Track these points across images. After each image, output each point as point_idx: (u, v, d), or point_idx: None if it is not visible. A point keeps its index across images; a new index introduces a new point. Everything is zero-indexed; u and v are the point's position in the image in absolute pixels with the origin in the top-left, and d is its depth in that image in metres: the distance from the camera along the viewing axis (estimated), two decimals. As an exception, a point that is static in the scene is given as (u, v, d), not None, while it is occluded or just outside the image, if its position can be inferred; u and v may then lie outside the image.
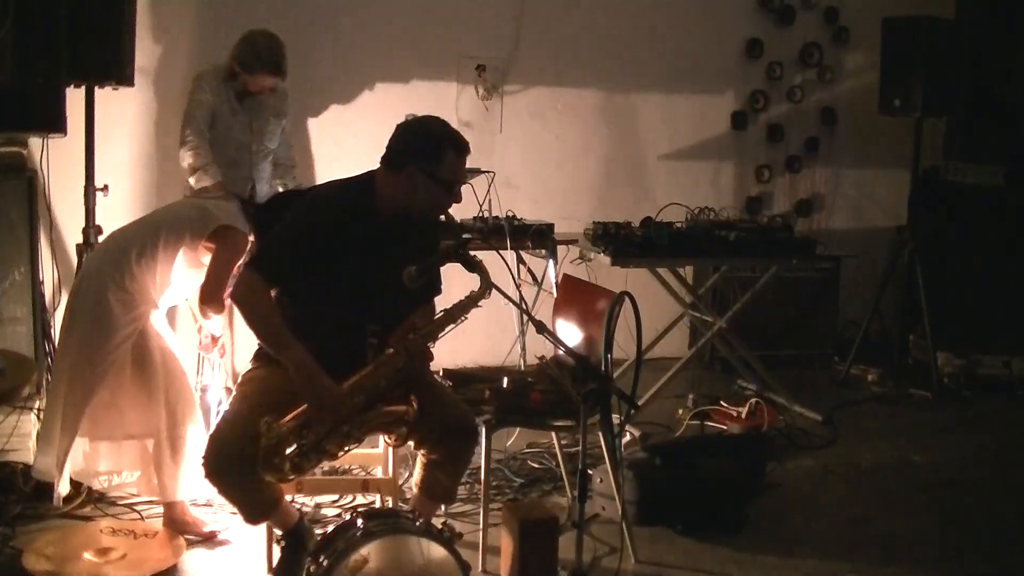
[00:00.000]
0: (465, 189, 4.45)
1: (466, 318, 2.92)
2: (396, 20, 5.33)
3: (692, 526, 3.62)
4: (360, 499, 3.71)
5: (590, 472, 3.06)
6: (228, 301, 3.27)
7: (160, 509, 3.44)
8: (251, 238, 3.34)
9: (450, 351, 5.00)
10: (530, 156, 5.71)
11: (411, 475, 3.75)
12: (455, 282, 3.13)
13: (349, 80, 5.28)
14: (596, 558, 3.37)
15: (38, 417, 3.68)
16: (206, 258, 3.35)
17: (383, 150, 2.94)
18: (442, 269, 3.02)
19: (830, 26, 6.27)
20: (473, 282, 2.87)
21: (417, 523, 2.64)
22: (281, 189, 4.65)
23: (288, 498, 3.05)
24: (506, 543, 3.11)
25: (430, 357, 3.00)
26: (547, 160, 5.77)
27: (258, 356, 3.01)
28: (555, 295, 4.23)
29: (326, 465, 3.70)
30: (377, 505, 3.41)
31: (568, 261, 4.74)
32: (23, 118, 3.61)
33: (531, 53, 5.62)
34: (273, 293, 2.94)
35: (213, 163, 4.39)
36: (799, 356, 5.97)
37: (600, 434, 3.35)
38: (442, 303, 3.02)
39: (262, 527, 3.10)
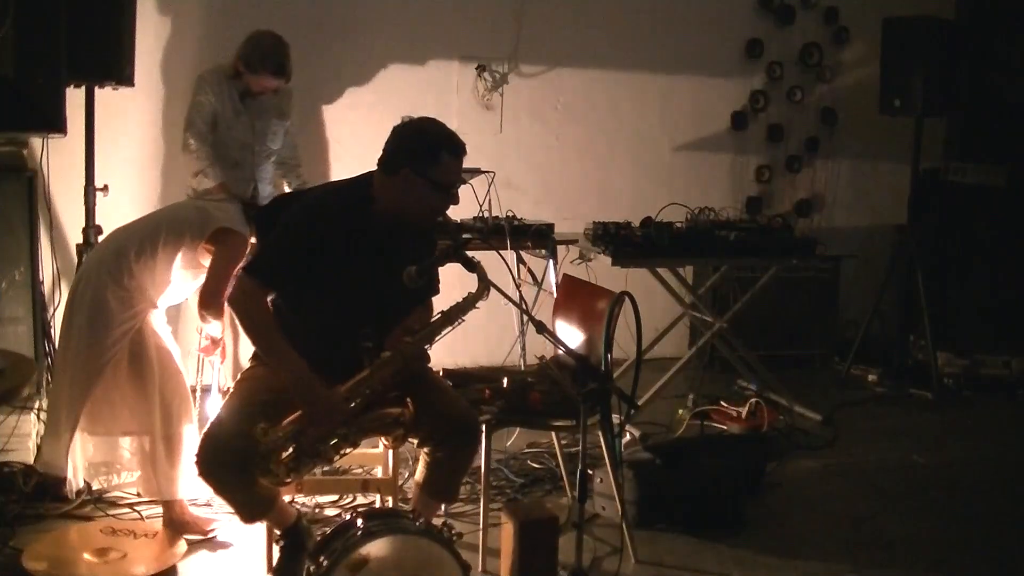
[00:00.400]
0: (465, 189, 4.46)
1: (463, 320, 2.91)
2: (396, 20, 5.33)
3: (692, 526, 3.62)
4: (360, 499, 3.71)
5: (590, 472, 3.06)
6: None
7: (160, 509, 3.44)
8: (252, 240, 3.34)
9: (450, 351, 5.00)
10: (530, 156, 5.71)
11: (411, 475, 3.76)
12: (453, 283, 3.13)
13: (349, 80, 5.28)
14: (596, 558, 3.37)
15: (38, 417, 3.69)
16: (206, 260, 3.35)
17: (381, 151, 2.93)
18: (440, 270, 3.02)
19: (830, 26, 6.27)
20: (472, 282, 2.87)
21: (417, 523, 2.64)
22: (287, 189, 4.65)
23: (288, 498, 3.05)
24: (506, 543, 3.11)
25: (427, 359, 3.00)
26: (547, 160, 5.77)
27: (256, 355, 3.01)
28: (555, 295, 4.23)
29: (327, 465, 3.71)
30: (377, 505, 3.41)
31: (568, 261, 4.74)
32: (23, 118, 3.60)
33: (531, 53, 5.62)
34: (271, 298, 2.94)
35: (214, 165, 4.39)
36: (799, 356, 5.98)
37: (600, 434, 3.35)
38: (440, 303, 3.01)
39: (262, 527, 3.09)
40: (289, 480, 2.77)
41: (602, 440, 3.37)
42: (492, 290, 2.84)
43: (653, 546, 3.49)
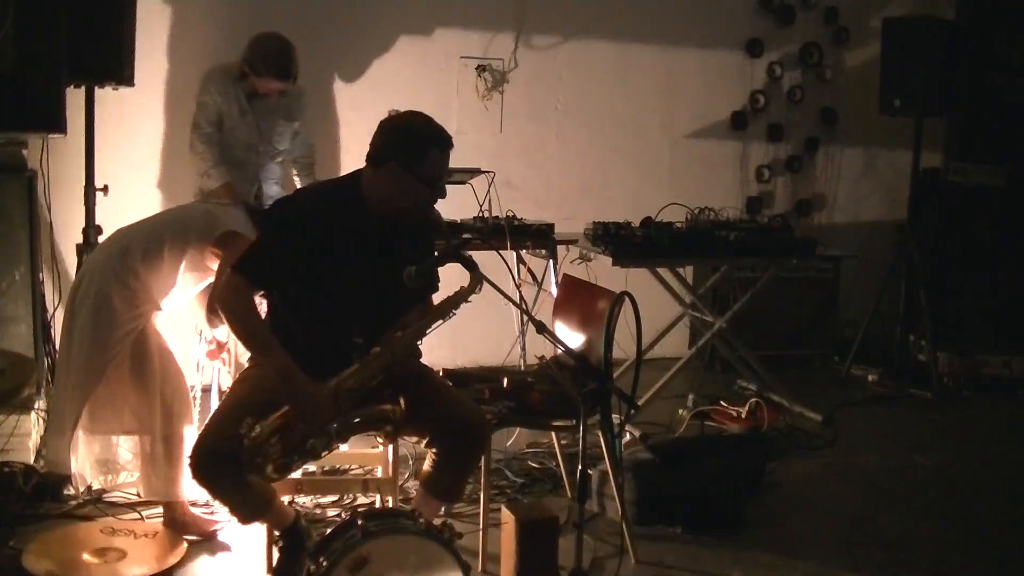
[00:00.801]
0: (465, 189, 4.48)
1: (455, 313, 2.90)
2: (397, 20, 5.33)
3: (692, 526, 3.62)
4: (360, 499, 3.71)
5: (590, 472, 3.06)
6: None
7: (160, 509, 3.44)
8: None
9: (450, 351, 5.02)
10: (530, 156, 5.71)
11: (411, 475, 3.76)
12: (453, 283, 3.12)
13: (349, 80, 5.28)
14: (596, 558, 3.36)
15: (39, 417, 3.69)
16: (213, 263, 3.35)
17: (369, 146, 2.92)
18: (440, 268, 3.01)
19: (830, 26, 6.27)
20: (467, 280, 2.86)
21: (417, 523, 2.64)
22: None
23: (287, 498, 3.05)
24: (506, 543, 3.11)
25: (418, 355, 2.99)
26: (547, 160, 5.77)
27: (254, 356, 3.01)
28: (555, 295, 4.23)
29: (326, 465, 3.71)
30: (377, 505, 3.41)
31: (568, 261, 4.74)
32: (23, 118, 3.60)
33: (531, 53, 5.62)
34: (267, 301, 2.94)
35: (218, 165, 4.40)
36: (799, 356, 5.98)
37: (600, 434, 3.35)
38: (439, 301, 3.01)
39: (261, 528, 3.09)
40: (278, 477, 2.76)
41: (602, 440, 3.38)
42: (493, 291, 2.83)
43: (653, 546, 3.49)
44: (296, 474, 2.95)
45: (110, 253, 3.36)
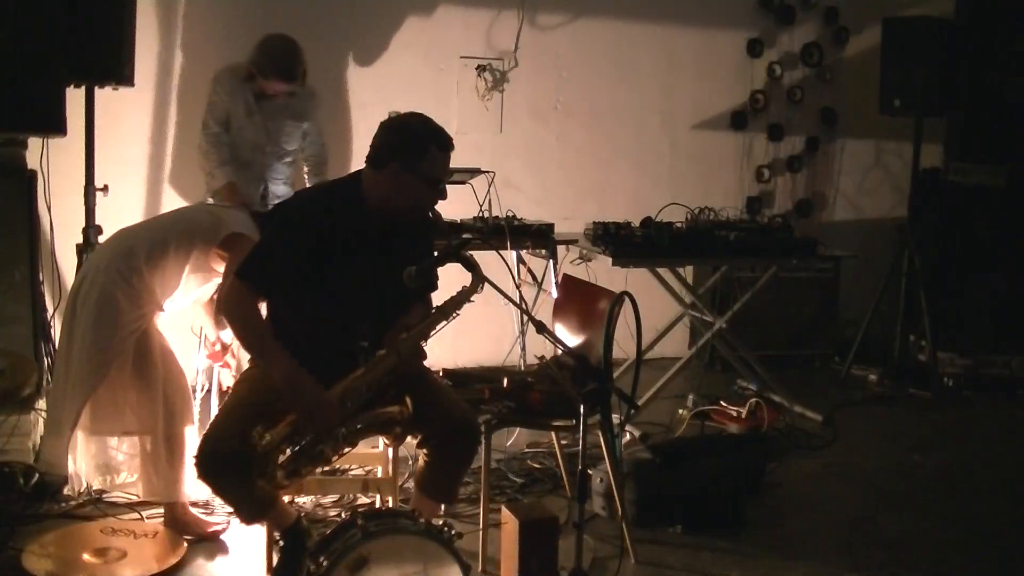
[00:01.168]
0: (465, 189, 4.48)
1: (458, 314, 2.90)
2: (397, 20, 5.33)
3: (692, 526, 3.62)
4: (360, 499, 3.71)
5: (590, 472, 3.06)
6: None
7: (160, 509, 3.44)
8: None
9: (450, 351, 5.02)
10: (530, 156, 5.71)
11: (411, 475, 3.76)
12: (453, 283, 3.12)
13: (350, 81, 5.28)
14: (596, 558, 3.36)
15: (38, 417, 3.69)
16: (219, 265, 3.35)
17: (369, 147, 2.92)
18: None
19: (830, 26, 6.27)
20: (467, 280, 2.87)
21: (417, 523, 2.64)
22: None
23: (288, 499, 3.05)
24: (506, 543, 3.11)
25: (423, 356, 2.99)
26: (547, 160, 5.77)
27: (254, 357, 3.01)
28: (555, 295, 4.23)
29: (325, 466, 3.71)
30: (377, 505, 3.41)
31: (568, 261, 4.74)
32: (23, 118, 3.61)
33: (531, 53, 5.62)
34: (267, 305, 2.94)
35: (223, 165, 4.41)
36: (799, 356, 5.98)
37: (600, 434, 3.35)
38: (439, 301, 3.01)
39: (262, 528, 3.09)
40: (288, 483, 2.77)
41: (602, 440, 3.38)
42: (493, 291, 2.83)
43: (653, 546, 3.49)
44: (303, 475, 2.95)
45: (114, 253, 3.36)
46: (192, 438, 3.32)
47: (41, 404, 3.72)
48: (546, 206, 5.47)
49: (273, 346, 2.80)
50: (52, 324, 4.04)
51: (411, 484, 3.19)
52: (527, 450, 4.31)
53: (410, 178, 2.83)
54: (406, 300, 2.98)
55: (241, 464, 2.67)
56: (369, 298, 2.90)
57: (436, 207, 3.14)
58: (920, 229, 5.78)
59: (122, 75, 3.98)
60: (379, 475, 3.50)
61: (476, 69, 5.51)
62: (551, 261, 4.66)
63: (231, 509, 2.91)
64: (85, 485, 3.47)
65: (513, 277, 4.46)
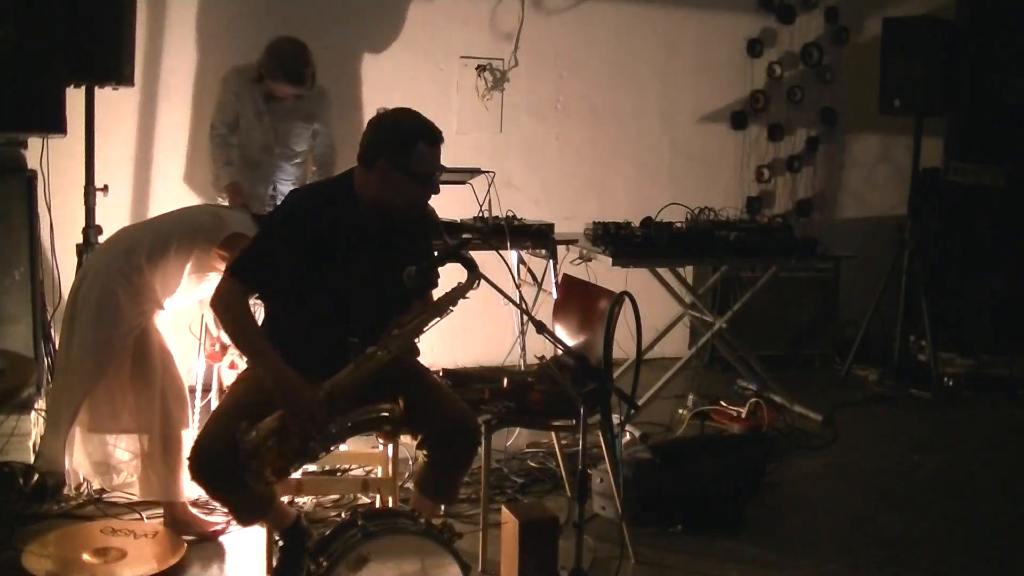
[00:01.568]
0: (465, 189, 4.48)
1: (452, 310, 2.87)
2: (397, 21, 5.33)
3: (692, 526, 3.62)
4: (360, 499, 3.71)
5: (590, 472, 3.06)
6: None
7: (160, 509, 3.44)
8: None
9: (450, 351, 5.02)
10: (530, 156, 5.71)
11: (411, 475, 3.75)
12: (453, 283, 3.12)
13: (350, 82, 5.28)
14: (596, 558, 3.36)
15: (38, 417, 3.69)
16: (220, 265, 3.34)
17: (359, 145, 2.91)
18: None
19: (830, 26, 6.27)
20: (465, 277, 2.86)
21: (417, 523, 2.64)
22: None
23: (287, 499, 3.04)
24: (506, 543, 3.11)
25: (416, 352, 2.98)
26: (547, 160, 5.77)
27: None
28: (555, 295, 4.22)
29: (326, 465, 3.71)
30: (377, 505, 3.41)
31: (568, 261, 4.74)
32: (23, 118, 3.61)
33: (531, 53, 5.62)
34: (265, 305, 2.93)
35: (227, 165, 4.42)
36: (799, 356, 5.98)
37: (600, 434, 3.35)
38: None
39: (262, 528, 3.09)
40: (276, 480, 2.75)
41: (602, 440, 3.37)
42: (493, 291, 2.83)
43: (653, 546, 3.49)
44: (296, 474, 2.94)
45: (115, 251, 3.37)
46: (189, 439, 3.31)
47: (41, 404, 3.72)
48: (546, 206, 5.47)
49: (261, 343, 2.78)
50: (52, 324, 4.04)
51: (411, 484, 3.19)
52: (527, 450, 4.30)
53: (399, 175, 2.81)
54: (405, 297, 2.97)
55: (231, 466, 2.65)
56: (367, 295, 2.89)
57: (432, 206, 3.13)
58: (920, 229, 5.78)
59: (122, 75, 3.98)
60: (379, 475, 3.50)
61: (476, 69, 5.51)
62: (551, 261, 4.66)
63: (227, 511, 2.89)
64: (82, 481, 3.47)
65: (513, 277, 4.46)
